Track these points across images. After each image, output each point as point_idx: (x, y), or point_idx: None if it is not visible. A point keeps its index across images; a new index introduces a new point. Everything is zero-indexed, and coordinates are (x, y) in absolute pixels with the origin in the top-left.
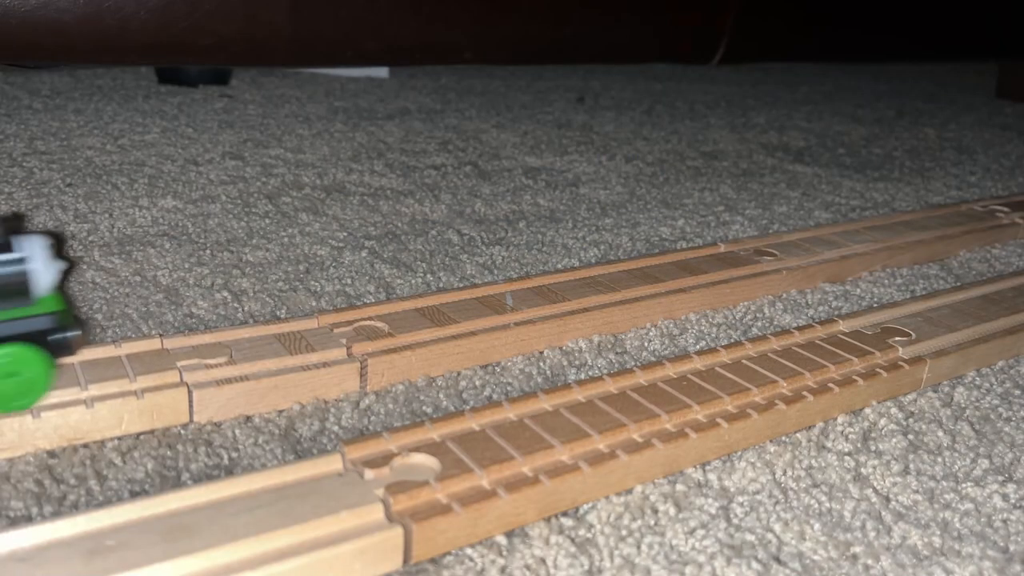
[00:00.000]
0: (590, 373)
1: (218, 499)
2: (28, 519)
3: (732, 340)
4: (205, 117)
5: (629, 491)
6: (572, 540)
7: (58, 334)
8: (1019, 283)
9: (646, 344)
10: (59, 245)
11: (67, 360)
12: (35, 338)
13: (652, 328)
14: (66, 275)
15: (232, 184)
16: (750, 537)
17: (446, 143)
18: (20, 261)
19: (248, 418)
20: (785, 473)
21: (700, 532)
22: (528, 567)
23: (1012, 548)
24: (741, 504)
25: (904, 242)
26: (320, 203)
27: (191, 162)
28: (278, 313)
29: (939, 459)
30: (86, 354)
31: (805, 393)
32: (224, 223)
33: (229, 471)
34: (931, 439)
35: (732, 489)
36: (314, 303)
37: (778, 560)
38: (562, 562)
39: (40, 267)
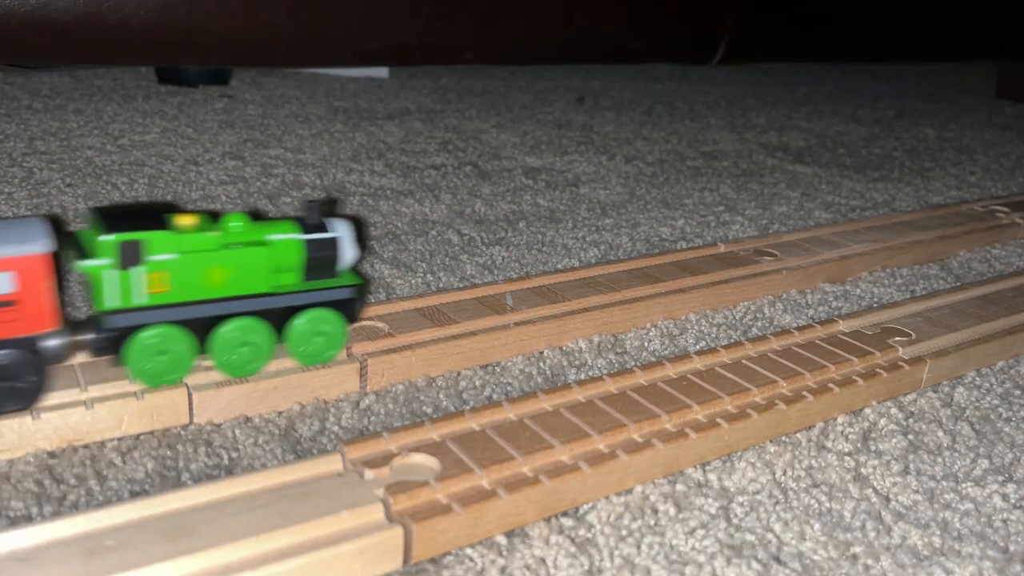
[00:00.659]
0: (590, 373)
1: (218, 499)
2: (28, 519)
3: (732, 340)
4: (205, 117)
5: (629, 491)
6: (572, 540)
7: (356, 304)
8: (1019, 283)
9: (646, 344)
10: (359, 229)
11: (67, 361)
12: (339, 306)
13: (652, 328)
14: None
15: (232, 184)
16: (750, 537)
17: (446, 143)
18: (333, 240)
19: (248, 418)
20: (785, 473)
21: (700, 532)
22: (528, 567)
23: (1012, 548)
24: (741, 504)
25: (904, 242)
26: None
27: (191, 162)
28: None
29: (939, 459)
30: (86, 355)
31: (805, 393)
32: None
33: (229, 471)
34: (931, 439)
35: (732, 489)
36: None
37: (778, 560)
38: (562, 562)
39: (347, 246)
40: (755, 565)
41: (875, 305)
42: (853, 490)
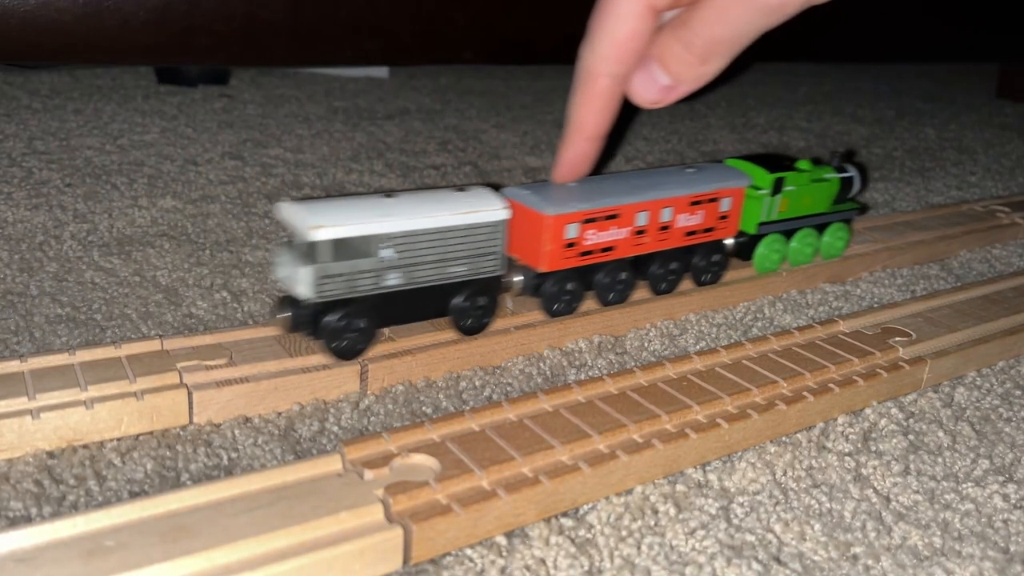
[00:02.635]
0: (590, 373)
1: (217, 499)
2: (27, 519)
3: (732, 340)
4: (204, 117)
5: (629, 491)
6: (572, 540)
7: (852, 219)
8: (1019, 283)
9: (646, 344)
10: (863, 172)
11: (66, 361)
12: (848, 220)
13: (652, 328)
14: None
15: (232, 184)
16: (750, 537)
17: (446, 143)
18: (851, 178)
19: (247, 418)
20: (785, 473)
21: (700, 532)
22: (528, 567)
23: (1012, 548)
24: (741, 504)
25: (904, 242)
26: None
27: (190, 162)
28: None
29: (939, 459)
30: (85, 355)
31: (805, 393)
32: (223, 223)
33: (229, 471)
34: (931, 439)
35: (732, 489)
36: None
37: (778, 561)
38: (562, 563)
39: (856, 183)
40: (755, 565)
41: (875, 305)
42: (853, 490)
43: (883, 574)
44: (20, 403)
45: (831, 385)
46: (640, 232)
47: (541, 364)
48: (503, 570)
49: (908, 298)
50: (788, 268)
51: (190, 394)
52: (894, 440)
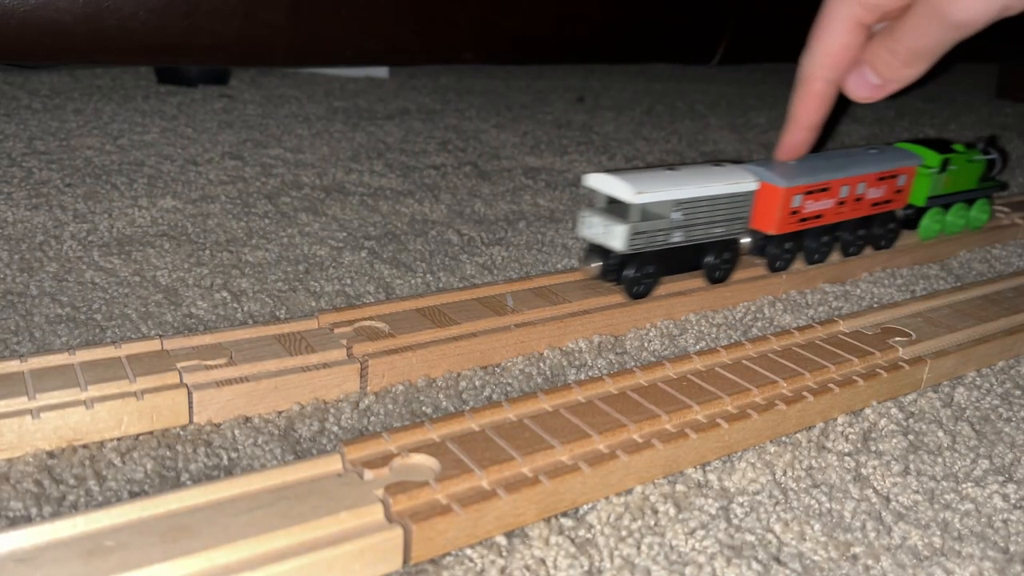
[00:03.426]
0: (590, 373)
1: (217, 499)
2: (27, 519)
3: (732, 340)
4: (204, 117)
5: (629, 491)
6: (572, 540)
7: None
8: (1019, 283)
9: (646, 344)
10: (1003, 154)
11: (66, 361)
12: (989, 196)
13: (652, 328)
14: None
15: (231, 184)
16: (750, 537)
17: (446, 143)
18: (994, 159)
19: (247, 418)
20: (785, 473)
21: (700, 532)
22: (528, 567)
23: (1012, 548)
24: (741, 504)
25: (904, 242)
26: (320, 203)
27: (190, 162)
28: (278, 313)
29: (939, 459)
30: (85, 355)
31: (805, 393)
32: (223, 223)
33: (228, 471)
34: (931, 439)
35: (732, 489)
36: (314, 303)
37: (778, 560)
38: (562, 563)
39: (998, 159)
40: (755, 565)
41: (875, 305)
42: (853, 490)
43: (883, 574)
44: (20, 403)
45: (831, 385)
46: (841, 203)
47: (541, 364)
48: (503, 570)
49: (908, 298)
50: (944, 237)
51: (190, 394)
52: (894, 440)
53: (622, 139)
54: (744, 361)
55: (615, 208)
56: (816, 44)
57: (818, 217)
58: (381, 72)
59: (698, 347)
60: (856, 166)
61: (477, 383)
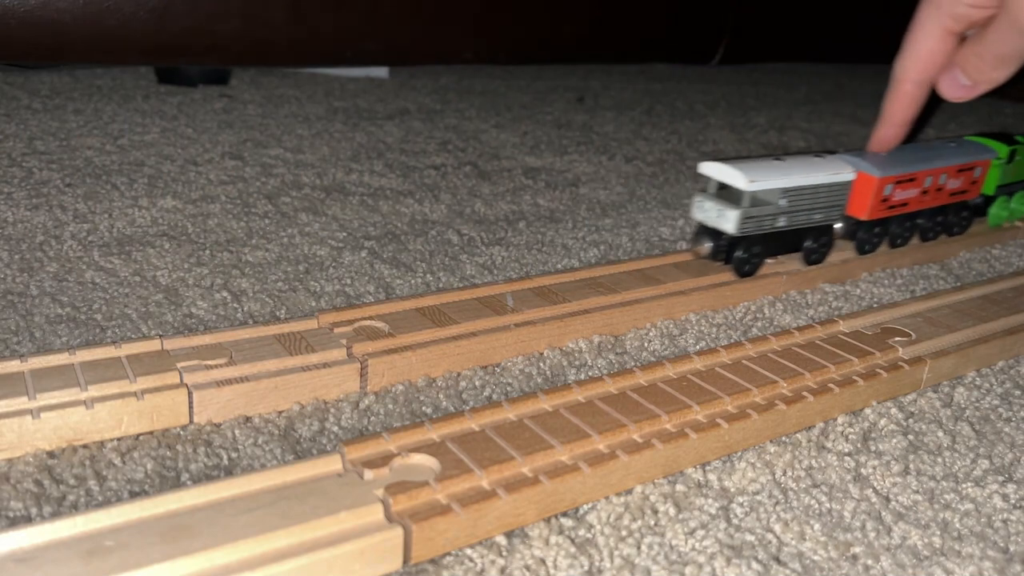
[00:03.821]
0: (590, 373)
1: (217, 499)
2: (27, 519)
3: (732, 340)
4: (205, 117)
5: (629, 491)
6: (572, 540)
7: None
8: (1019, 283)
9: (646, 344)
10: None
11: (66, 361)
12: None
13: (652, 328)
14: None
15: (232, 184)
16: (750, 537)
17: (446, 143)
18: None
19: (248, 418)
20: (785, 473)
21: (700, 532)
22: (528, 567)
23: (1012, 548)
24: (741, 504)
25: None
26: (320, 203)
27: (191, 162)
28: (278, 313)
29: (939, 459)
30: (85, 355)
31: (805, 393)
32: (224, 223)
33: (229, 471)
34: (931, 439)
35: (732, 489)
36: (314, 303)
37: (778, 560)
38: (562, 562)
39: None
40: (755, 565)
41: (875, 305)
42: (853, 490)
43: (883, 574)
44: (20, 403)
45: (831, 385)
46: (924, 192)
47: (541, 364)
48: (503, 570)
49: (908, 298)
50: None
51: (190, 394)
52: (894, 440)
53: (622, 139)
54: (744, 361)
55: (727, 194)
56: (907, 50)
57: (904, 205)
58: (381, 72)
59: (698, 347)
60: (939, 159)
61: (477, 383)
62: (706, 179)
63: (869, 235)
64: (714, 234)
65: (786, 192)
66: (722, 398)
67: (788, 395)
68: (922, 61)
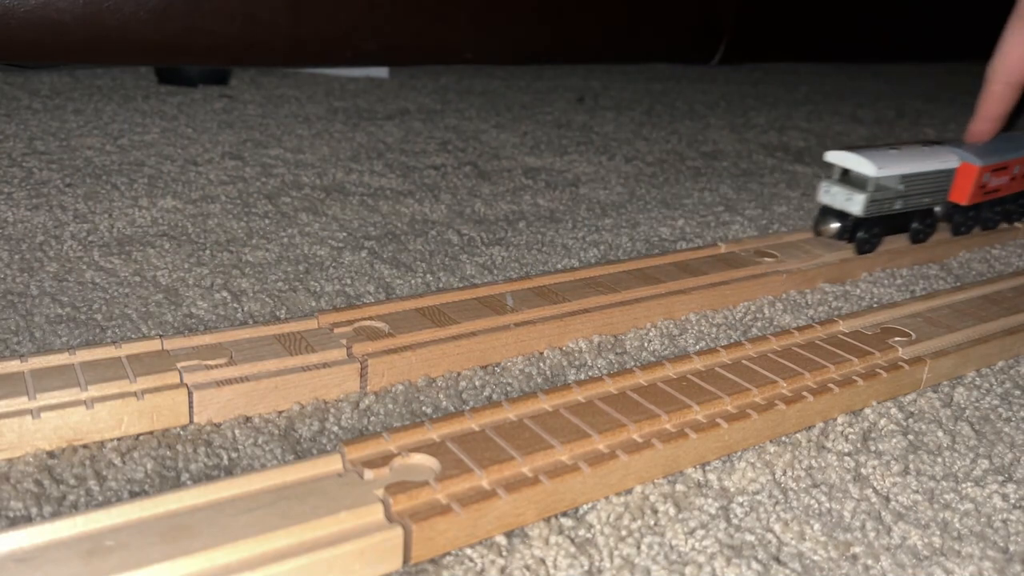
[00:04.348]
0: (590, 373)
1: (217, 499)
2: (27, 519)
3: (732, 340)
4: (205, 117)
5: (629, 491)
6: (572, 540)
7: None
8: (1019, 283)
9: (646, 344)
10: None
11: (66, 361)
12: None
13: (652, 328)
14: None
15: (232, 184)
16: (750, 537)
17: (446, 143)
18: None
19: (248, 418)
20: (785, 473)
21: (700, 532)
22: (528, 567)
23: (1012, 548)
24: (741, 504)
25: (904, 243)
26: (320, 203)
27: (191, 162)
28: (278, 313)
29: (939, 459)
30: (85, 355)
31: (805, 393)
32: (224, 223)
33: (229, 471)
34: (931, 439)
35: (732, 489)
36: (314, 303)
37: (778, 560)
38: (562, 562)
39: None
40: (755, 565)
41: (875, 305)
42: (853, 490)
43: (882, 574)
44: (20, 403)
45: (831, 385)
46: (1013, 179)
47: (541, 364)
48: (503, 570)
49: (908, 298)
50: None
51: (190, 394)
52: (894, 440)
53: (622, 139)
54: (744, 361)
55: (853, 179)
56: (998, 55)
57: (996, 191)
58: (381, 72)
59: (698, 347)
60: (1020, 149)
61: (477, 383)
62: (830, 167)
63: (965, 218)
64: (839, 216)
65: (905, 178)
66: (722, 398)
67: (788, 395)
68: (1011, 65)
